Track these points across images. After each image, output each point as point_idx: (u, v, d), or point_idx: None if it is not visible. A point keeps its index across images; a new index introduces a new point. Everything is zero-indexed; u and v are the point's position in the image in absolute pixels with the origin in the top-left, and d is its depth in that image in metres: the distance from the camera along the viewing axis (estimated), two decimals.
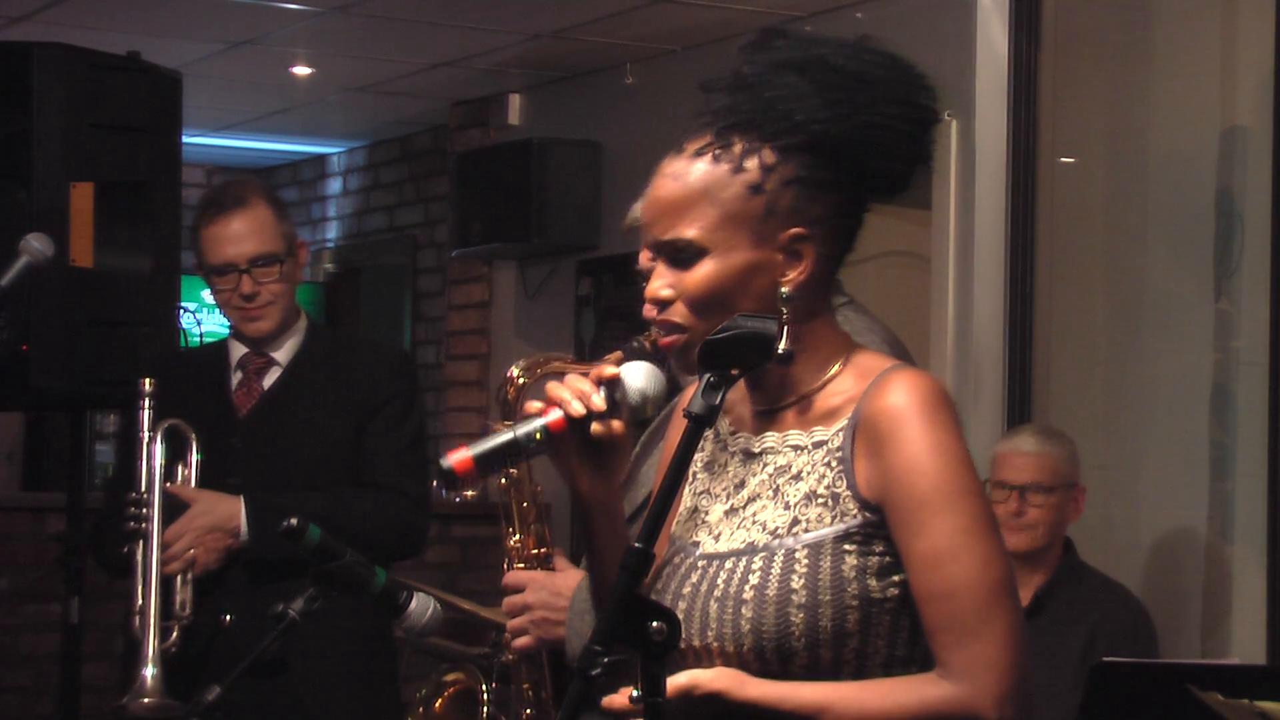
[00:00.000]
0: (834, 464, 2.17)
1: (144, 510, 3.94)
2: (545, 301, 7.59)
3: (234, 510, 3.99)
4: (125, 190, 4.26)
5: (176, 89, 4.41)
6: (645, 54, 6.97)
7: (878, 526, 2.14)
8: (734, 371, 2.17)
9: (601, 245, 7.25)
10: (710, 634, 2.17)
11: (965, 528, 2.10)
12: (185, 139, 4.51)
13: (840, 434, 2.17)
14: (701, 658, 2.19)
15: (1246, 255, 4.94)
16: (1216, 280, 5.01)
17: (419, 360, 8.55)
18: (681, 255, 2.20)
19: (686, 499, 2.31)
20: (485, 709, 3.22)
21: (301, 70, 7.56)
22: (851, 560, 2.13)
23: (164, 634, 3.91)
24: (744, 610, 2.14)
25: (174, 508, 3.98)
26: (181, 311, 4.50)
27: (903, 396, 2.13)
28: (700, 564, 2.22)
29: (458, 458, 2.20)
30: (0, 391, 4.29)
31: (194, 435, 4.01)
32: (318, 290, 9.30)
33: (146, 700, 3.83)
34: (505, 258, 7.73)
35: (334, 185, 9.39)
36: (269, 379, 4.16)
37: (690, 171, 2.21)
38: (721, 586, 2.18)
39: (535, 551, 3.02)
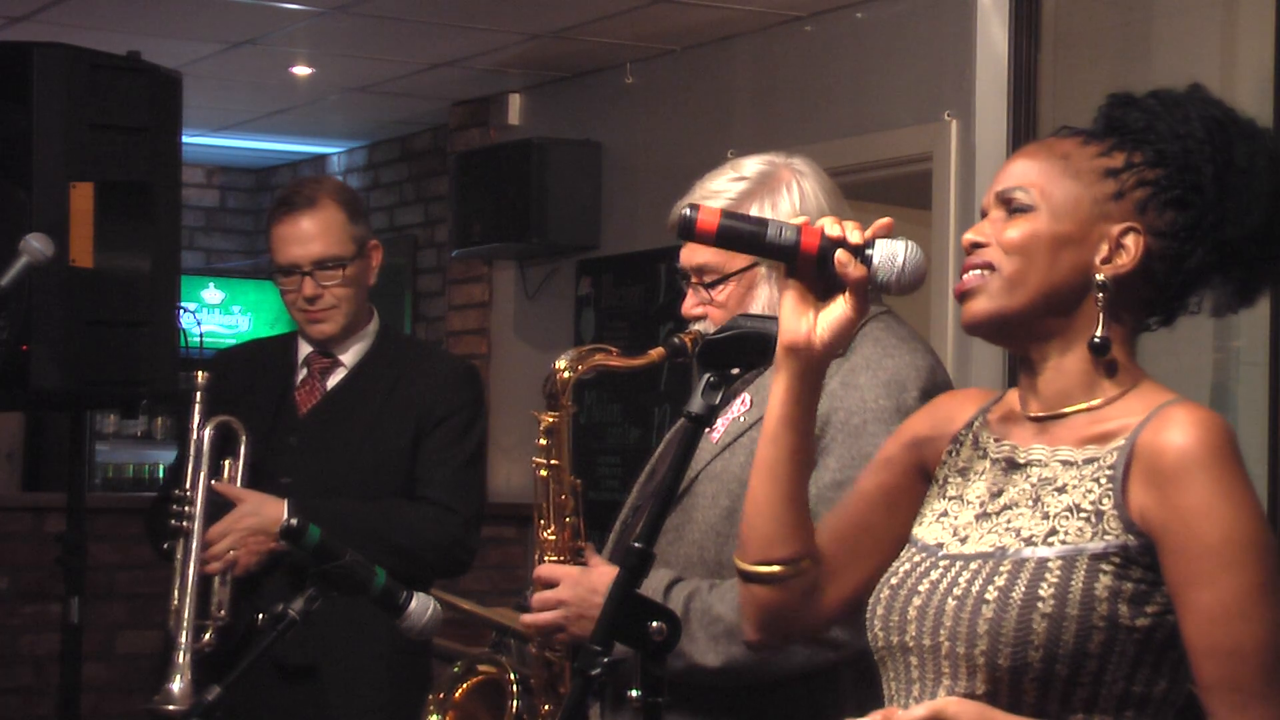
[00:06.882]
0: (1103, 480, 2.11)
1: (187, 508, 3.91)
2: (545, 301, 7.59)
3: (279, 513, 3.89)
4: (125, 190, 4.25)
5: (176, 89, 4.40)
6: (645, 54, 6.97)
7: (1139, 553, 2.08)
8: (734, 371, 2.17)
9: (601, 245, 7.25)
10: (943, 633, 2.11)
11: (1260, 585, 2.04)
12: (185, 139, 4.51)
13: (1115, 453, 2.12)
14: (928, 657, 2.13)
15: None
16: None
17: None
18: (1014, 205, 2.19)
19: (936, 503, 2.26)
20: (514, 703, 3.21)
21: (301, 70, 7.56)
22: (1106, 580, 2.08)
23: (198, 633, 3.86)
24: (984, 610, 2.08)
25: (220, 506, 3.93)
26: (181, 311, 4.49)
27: (1191, 436, 2.07)
28: (943, 564, 2.17)
29: (708, 214, 2.18)
30: (0, 391, 4.29)
31: (245, 433, 3.97)
32: None
33: (173, 708, 3.76)
34: (505, 258, 7.72)
35: None
36: (333, 380, 4.12)
37: (1062, 143, 2.22)
38: (963, 586, 2.12)
39: (569, 545, 3.00)
